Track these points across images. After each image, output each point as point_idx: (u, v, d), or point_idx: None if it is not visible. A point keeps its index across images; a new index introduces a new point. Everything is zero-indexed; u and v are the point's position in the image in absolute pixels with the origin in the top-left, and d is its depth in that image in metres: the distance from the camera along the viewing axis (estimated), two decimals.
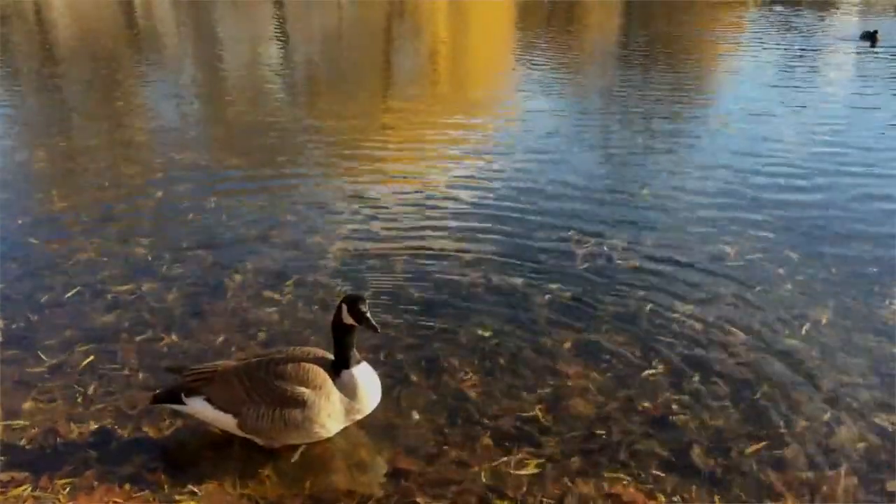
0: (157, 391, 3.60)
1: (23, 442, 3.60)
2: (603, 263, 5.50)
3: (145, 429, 3.68)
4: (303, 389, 3.34)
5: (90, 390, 3.98)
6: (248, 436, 3.47)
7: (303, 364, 3.38)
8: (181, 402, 3.50)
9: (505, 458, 3.50)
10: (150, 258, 5.59)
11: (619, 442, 3.62)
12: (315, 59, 16.56)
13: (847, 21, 20.65)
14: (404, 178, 7.56)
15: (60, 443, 3.60)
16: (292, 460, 3.47)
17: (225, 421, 3.45)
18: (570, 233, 6.03)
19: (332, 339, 3.45)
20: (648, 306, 4.87)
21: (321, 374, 3.38)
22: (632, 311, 4.81)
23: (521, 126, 9.77)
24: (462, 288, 5.14)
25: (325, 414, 3.37)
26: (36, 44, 17.73)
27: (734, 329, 4.60)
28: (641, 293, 5.04)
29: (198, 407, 3.47)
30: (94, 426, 3.70)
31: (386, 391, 3.93)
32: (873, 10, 23.64)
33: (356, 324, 3.37)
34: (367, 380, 3.45)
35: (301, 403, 3.33)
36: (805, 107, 10.54)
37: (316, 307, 4.88)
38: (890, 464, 3.49)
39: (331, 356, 3.50)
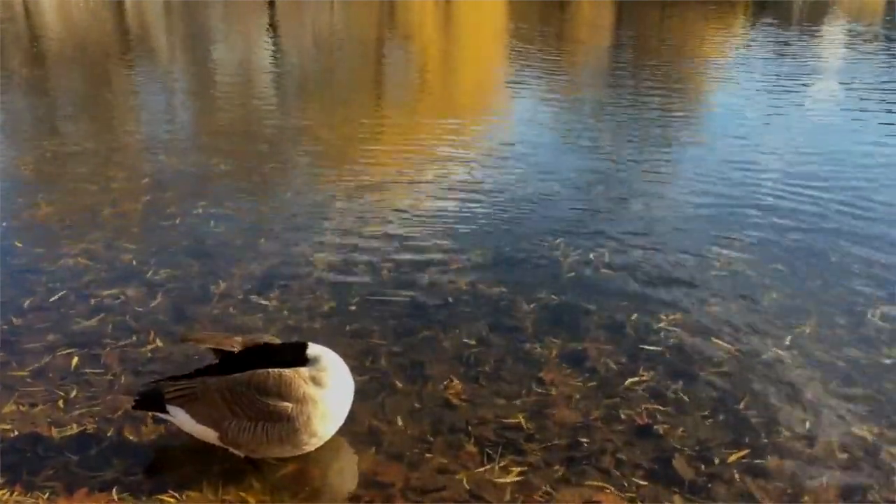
0: (138, 396, 3.57)
1: (3, 446, 3.58)
2: (589, 272, 5.52)
3: (127, 433, 3.67)
4: (286, 404, 3.32)
5: (72, 394, 3.97)
6: (228, 447, 3.46)
7: (283, 376, 3.35)
8: (163, 410, 3.48)
9: (488, 466, 3.51)
10: (135, 263, 5.57)
11: (602, 450, 3.62)
12: (306, 64, 16.56)
13: (836, 32, 20.81)
14: (392, 185, 7.56)
15: (41, 447, 3.58)
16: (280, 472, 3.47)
17: (206, 434, 3.43)
18: (556, 241, 6.05)
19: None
20: (634, 315, 4.89)
21: (301, 385, 3.35)
22: (617, 320, 4.83)
23: (511, 134, 9.79)
24: (447, 295, 5.14)
25: (318, 418, 3.34)
26: (24, 46, 17.68)
27: (718, 339, 4.62)
28: (627, 302, 5.07)
29: (180, 417, 3.45)
30: (75, 430, 3.69)
31: (370, 397, 3.95)
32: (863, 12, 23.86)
33: None
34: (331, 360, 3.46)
35: (284, 418, 3.31)
36: (796, 120, 10.61)
37: (302, 314, 4.87)
38: (871, 474, 3.51)
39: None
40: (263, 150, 8.83)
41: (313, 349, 3.44)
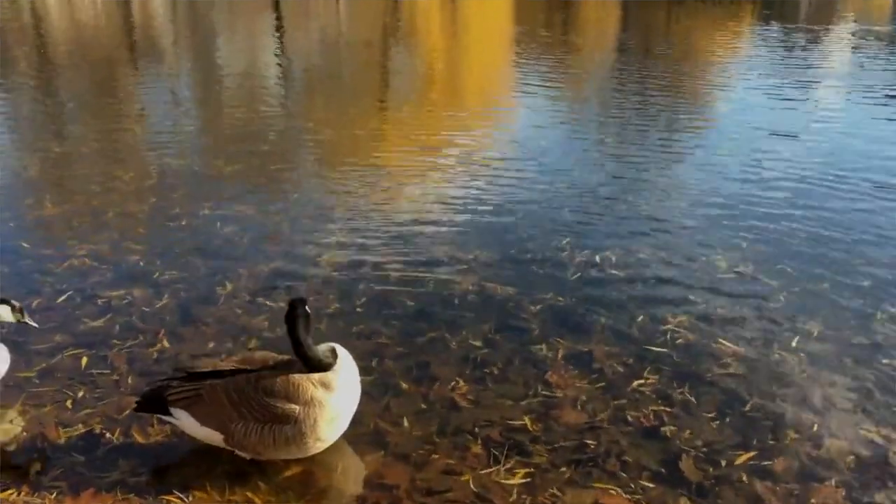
0: (141, 397, 3.55)
1: (11, 446, 3.59)
2: (595, 274, 5.51)
3: (133, 434, 3.68)
4: (293, 406, 3.31)
5: (79, 395, 3.98)
6: (234, 449, 3.46)
7: (291, 379, 3.35)
8: (167, 412, 3.47)
9: (494, 467, 3.50)
10: (142, 264, 5.58)
11: (608, 452, 3.62)
12: (311, 64, 16.60)
13: (844, 32, 20.74)
14: (398, 185, 7.57)
15: (48, 447, 3.59)
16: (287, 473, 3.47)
17: (212, 436, 3.42)
18: (563, 243, 6.04)
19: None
20: (640, 317, 4.88)
21: (309, 388, 3.35)
22: (623, 322, 4.82)
23: (517, 135, 9.80)
24: (454, 296, 5.14)
25: (325, 421, 3.34)
26: (31, 47, 17.73)
27: (725, 340, 4.61)
28: (633, 304, 5.05)
29: (184, 420, 3.44)
30: (82, 430, 3.70)
31: (376, 399, 3.95)
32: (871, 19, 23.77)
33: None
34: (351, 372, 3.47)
35: (292, 421, 3.31)
36: (804, 121, 10.57)
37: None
38: (878, 476, 3.49)
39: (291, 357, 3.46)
40: (269, 151, 8.84)
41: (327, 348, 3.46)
